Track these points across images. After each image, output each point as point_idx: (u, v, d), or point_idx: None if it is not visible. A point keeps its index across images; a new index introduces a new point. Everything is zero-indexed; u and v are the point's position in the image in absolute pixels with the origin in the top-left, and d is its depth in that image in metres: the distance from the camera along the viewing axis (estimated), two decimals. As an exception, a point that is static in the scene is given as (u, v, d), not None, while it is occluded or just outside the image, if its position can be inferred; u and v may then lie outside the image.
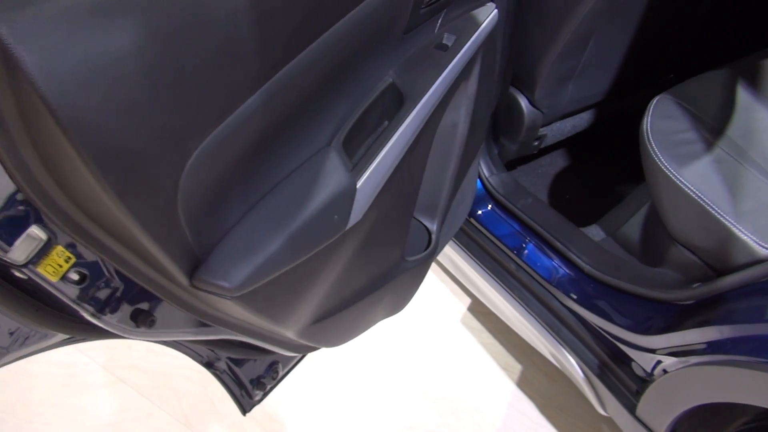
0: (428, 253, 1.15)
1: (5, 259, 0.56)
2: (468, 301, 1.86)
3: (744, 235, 1.01)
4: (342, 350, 1.76)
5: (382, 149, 0.83)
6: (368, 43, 0.83)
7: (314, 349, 1.04)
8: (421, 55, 0.98)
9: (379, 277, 1.03)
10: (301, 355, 1.26)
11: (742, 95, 1.25)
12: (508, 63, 1.39)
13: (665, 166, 1.11)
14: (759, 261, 0.97)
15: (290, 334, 0.86)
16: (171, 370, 1.71)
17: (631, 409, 1.23)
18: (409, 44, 0.97)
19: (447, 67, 0.97)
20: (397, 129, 0.86)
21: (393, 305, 1.18)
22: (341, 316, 0.96)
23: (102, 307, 0.68)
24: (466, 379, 1.71)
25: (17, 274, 0.59)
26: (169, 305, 0.68)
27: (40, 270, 0.59)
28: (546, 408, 1.65)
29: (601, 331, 1.26)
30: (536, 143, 1.58)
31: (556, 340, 1.36)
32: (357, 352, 1.76)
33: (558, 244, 1.36)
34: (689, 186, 1.08)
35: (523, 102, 1.49)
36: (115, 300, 0.69)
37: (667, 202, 1.13)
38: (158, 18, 0.48)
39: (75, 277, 0.63)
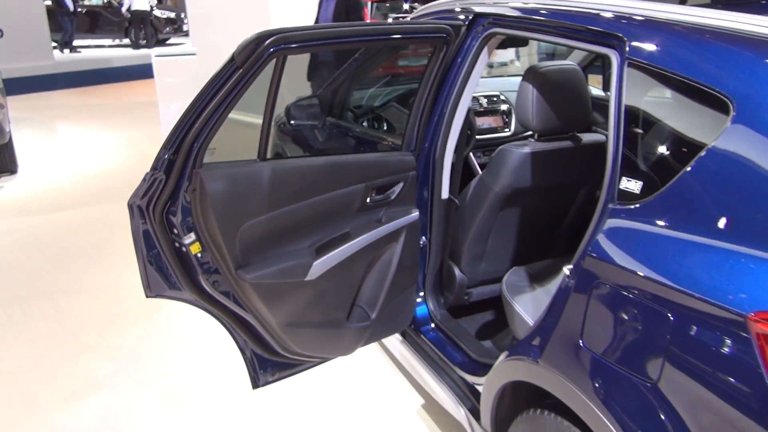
0: (365, 325, 2.23)
1: (182, 240, 1.77)
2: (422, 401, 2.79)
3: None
4: None
5: (330, 253, 2.00)
6: (338, 209, 2.05)
7: (292, 357, 2.13)
8: (368, 221, 2.17)
9: (327, 323, 2.12)
10: (298, 368, 2.27)
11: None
12: (445, 243, 2.52)
13: (511, 300, 2.16)
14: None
15: (273, 323, 1.97)
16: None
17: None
18: (362, 217, 2.17)
19: (376, 229, 2.15)
20: (340, 247, 2.03)
21: (336, 350, 2.26)
22: (300, 330, 2.06)
23: (204, 272, 1.85)
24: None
25: (182, 248, 1.81)
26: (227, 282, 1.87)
27: (191, 248, 1.79)
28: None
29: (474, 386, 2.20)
30: (466, 297, 2.63)
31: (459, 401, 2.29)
32: None
33: (462, 345, 2.35)
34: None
35: (456, 269, 2.58)
36: (208, 272, 1.86)
37: (509, 316, 2.16)
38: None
39: (200, 255, 1.82)
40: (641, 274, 1.37)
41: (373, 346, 3.19)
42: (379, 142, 3.07)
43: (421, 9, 2.77)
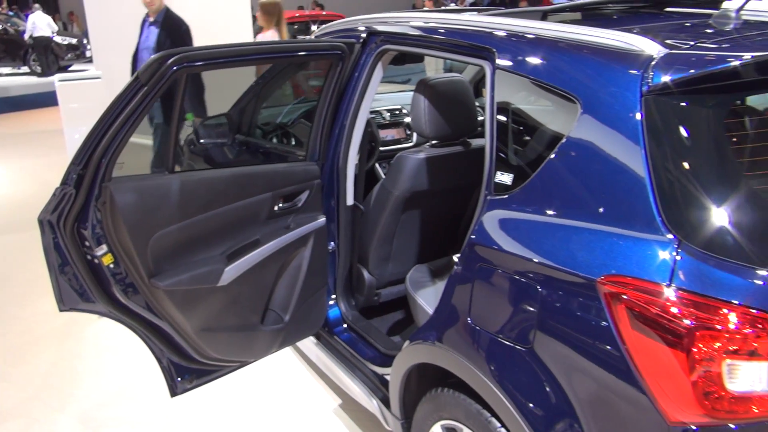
0: (279, 327, 2.33)
1: (94, 252, 1.83)
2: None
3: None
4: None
5: (241, 259, 2.11)
6: (247, 217, 2.15)
7: (209, 363, 2.20)
8: (276, 228, 2.29)
9: (242, 327, 2.22)
10: (216, 374, 2.34)
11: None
12: (353, 247, 2.66)
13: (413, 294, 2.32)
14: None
15: (189, 329, 2.04)
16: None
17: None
18: (271, 224, 2.28)
19: (285, 235, 2.27)
20: (251, 253, 2.14)
21: (252, 353, 2.34)
22: (215, 335, 2.14)
23: (117, 282, 1.91)
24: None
25: (94, 260, 1.86)
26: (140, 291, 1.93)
27: (103, 260, 1.85)
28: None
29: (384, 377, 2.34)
30: (376, 298, 2.78)
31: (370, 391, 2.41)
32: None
33: (372, 341, 2.50)
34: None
35: (364, 272, 2.73)
36: (122, 282, 1.93)
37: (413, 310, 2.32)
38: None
39: (112, 266, 1.88)
40: (513, 252, 1.56)
41: (290, 352, 3.28)
42: (288, 157, 3.19)
43: (324, 27, 2.93)
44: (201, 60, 1.90)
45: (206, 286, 2.05)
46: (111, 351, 3.38)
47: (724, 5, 1.91)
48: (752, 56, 1.41)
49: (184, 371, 2.24)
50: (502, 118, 1.75)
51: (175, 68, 1.81)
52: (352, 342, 2.60)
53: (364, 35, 2.44)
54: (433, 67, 5.85)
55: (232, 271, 2.11)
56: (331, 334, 2.67)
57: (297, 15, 11.04)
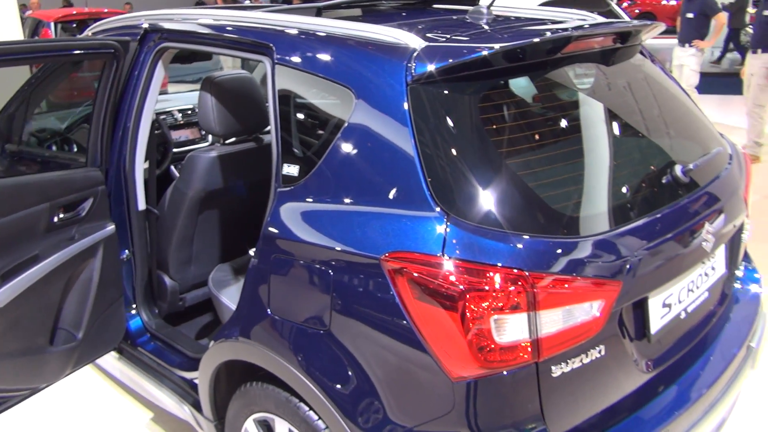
0: (72, 346, 2.18)
1: None
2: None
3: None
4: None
5: (16, 278, 1.93)
6: (21, 232, 1.97)
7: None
8: (58, 241, 2.12)
9: (27, 350, 2.04)
10: (1, 407, 2.10)
11: None
12: (150, 253, 2.55)
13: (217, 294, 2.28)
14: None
15: None
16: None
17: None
18: (51, 237, 2.11)
19: (68, 247, 2.12)
20: (28, 270, 1.97)
21: (43, 378, 2.16)
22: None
23: None
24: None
25: None
26: None
27: None
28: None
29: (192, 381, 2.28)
30: (180, 303, 2.69)
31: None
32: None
33: (179, 347, 2.41)
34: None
35: (165, 278, 2.63)
36: None
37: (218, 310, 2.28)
38: None
39: None
40: (304, 240, 1.62)
41: (90, 371, 3.06)
42: (70, 164, 2.96)
43: (99, 24, 2.75)
44: None
45: None
46: None
47: (481, 2, 2.12)
48: (500, 46, 1.60)
49: None
50: (284, 111, 1.79)
51: None
52: (157, 351, 2.50)
53: (141, 32, 2.34)
54: (230, 65, 5.75)
55: (7, 292, 1.92)
56: (134, 346, 2.55)
57: (74, 12, 10.22)
